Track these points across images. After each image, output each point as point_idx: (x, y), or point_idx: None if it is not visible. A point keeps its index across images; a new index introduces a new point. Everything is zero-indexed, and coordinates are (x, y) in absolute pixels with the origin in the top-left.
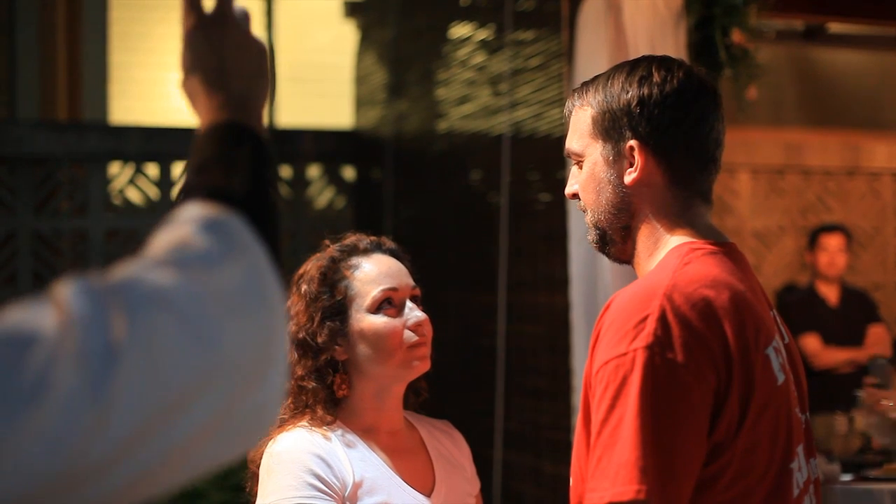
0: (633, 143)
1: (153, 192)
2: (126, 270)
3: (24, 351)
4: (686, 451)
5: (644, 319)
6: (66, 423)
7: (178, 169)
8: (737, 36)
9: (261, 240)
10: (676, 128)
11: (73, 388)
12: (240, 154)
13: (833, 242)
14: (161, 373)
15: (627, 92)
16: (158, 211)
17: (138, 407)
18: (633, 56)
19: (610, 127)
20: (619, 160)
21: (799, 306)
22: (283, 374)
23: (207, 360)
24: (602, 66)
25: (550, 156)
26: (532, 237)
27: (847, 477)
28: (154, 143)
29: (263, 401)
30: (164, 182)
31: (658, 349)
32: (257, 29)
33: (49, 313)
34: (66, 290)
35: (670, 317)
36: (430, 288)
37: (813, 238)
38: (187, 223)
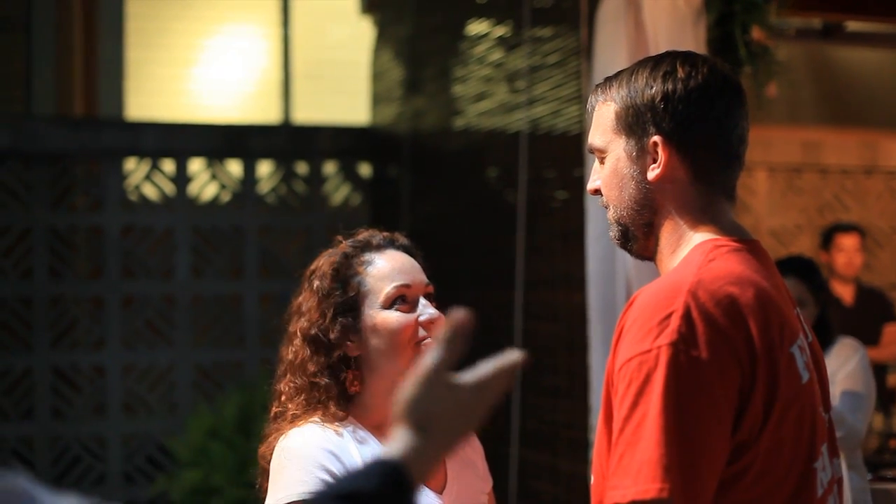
0: (656, 138)
1: (169, 188)
2: None
3: None
4: (710, 450)
5: (668, 316)
6: None
7: (193, 165)
8: (756, 33)
9: None
10: (700, 124)
11: None
12: None
13: (849, 242)
14: None
15: (651, 87)
16: (174, 207)
17: None
18: (652, 53)
19: (633, 122)
20: (642, 156)
21: None
22: None
23: None
24: (621, 63)
25: (568, 153)
26: (549, 235)
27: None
28: (170, 140)
29: None
30: (180, 178)
31: (683, 346)
32: (273, 25)
33: None
34: None
35: (695, 314)
36: (446, 285)
37: (827, 237)
38: None
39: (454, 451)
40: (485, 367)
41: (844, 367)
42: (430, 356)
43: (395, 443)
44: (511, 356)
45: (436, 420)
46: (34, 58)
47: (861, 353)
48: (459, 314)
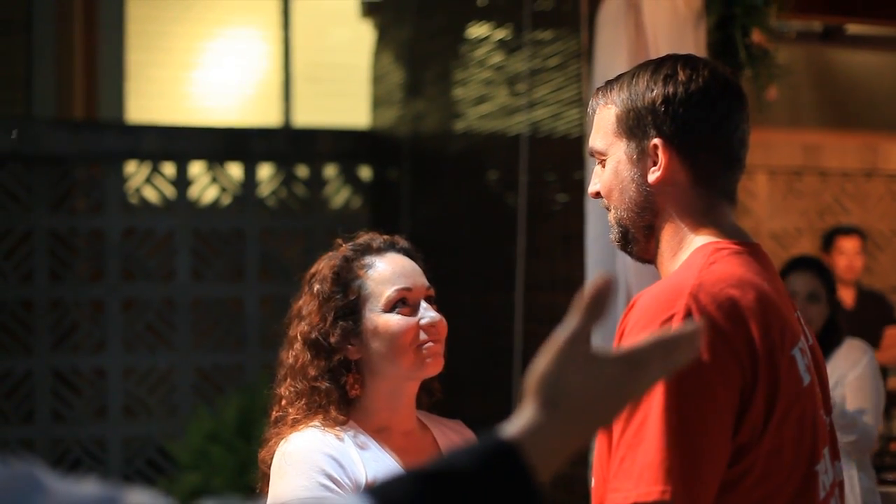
0: (657, 141)
1: (169, 192)
2: None
3: None
4: (711, 452)
5: (669, 319)
6: None
7: (194, 168)
8: (757, 36)
9: None
10: (701, 126)
11: None
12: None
13: (850, 245)
14: None
15: (652, 90)
16: (174, 210)
17: None
18: (652, 56)
19: (634, 125)
20: (642, 159)
21: None
22: None
23: None
24: (621, 66)
25: (568, 156)
26: (549, 237)
27: None
28: (170, 142)
29: None
30: (181, 181)
31: None
32: (274, 28)
33: None
34: None
35: (696, 316)
36: (446, 288)
37: (828, 240)
38: None
39: (593, 435)
40: (643, 340)
41: (854, 369)
42: (566, 325)
43: (515, 419)
44: (684, 327)
45: (570, 396)
46: (35, 60)
47: (869, 355)
48: (602, 278)
